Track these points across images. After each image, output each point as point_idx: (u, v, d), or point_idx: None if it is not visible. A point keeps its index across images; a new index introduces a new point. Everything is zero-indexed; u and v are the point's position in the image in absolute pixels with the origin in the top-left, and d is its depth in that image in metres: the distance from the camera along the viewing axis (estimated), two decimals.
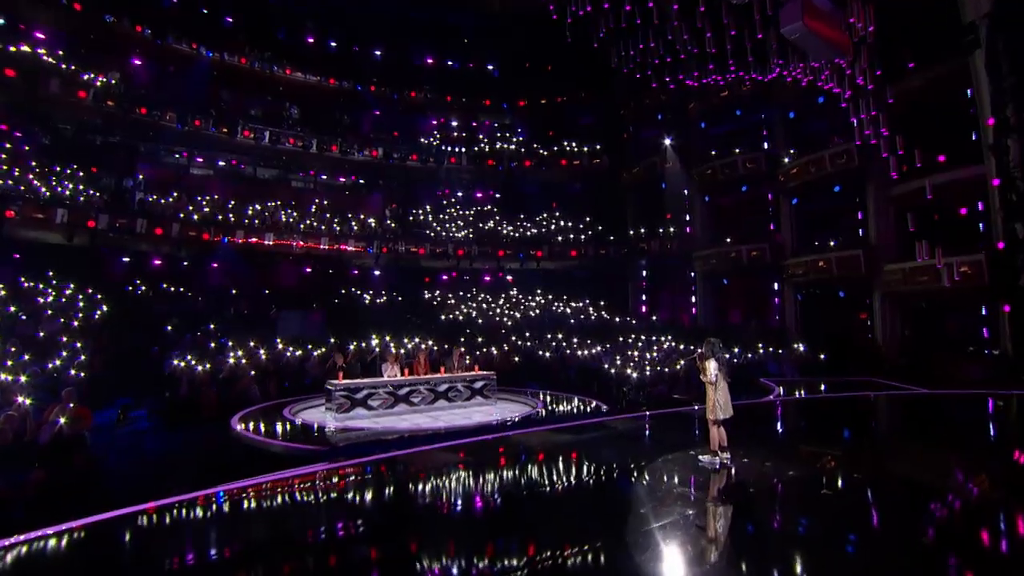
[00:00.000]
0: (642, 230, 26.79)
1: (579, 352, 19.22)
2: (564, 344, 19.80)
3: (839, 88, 15.90)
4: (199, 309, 18.97)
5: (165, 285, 20.05)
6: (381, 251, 25.99)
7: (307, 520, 5.42)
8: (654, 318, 26.24)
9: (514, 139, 31.63)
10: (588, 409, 12.66)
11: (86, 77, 20.84)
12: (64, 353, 13.28)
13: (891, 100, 16.13)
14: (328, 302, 22.17)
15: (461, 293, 27.62)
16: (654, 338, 21.62)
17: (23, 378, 9.91)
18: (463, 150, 30.26)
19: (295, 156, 26.81)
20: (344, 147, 27.49)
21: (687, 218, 25.51)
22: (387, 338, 16.78)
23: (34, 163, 19.96)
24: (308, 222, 25.32)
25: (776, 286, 22.22)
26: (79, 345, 13.82)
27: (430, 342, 17.88)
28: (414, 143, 29.87)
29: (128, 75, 22.70)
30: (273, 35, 27.66)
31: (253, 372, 13.24)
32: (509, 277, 29.46)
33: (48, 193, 18.53)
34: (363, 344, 16.41)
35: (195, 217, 21.44)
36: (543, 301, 27.33)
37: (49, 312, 16.07)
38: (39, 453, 6.97)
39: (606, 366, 16.66)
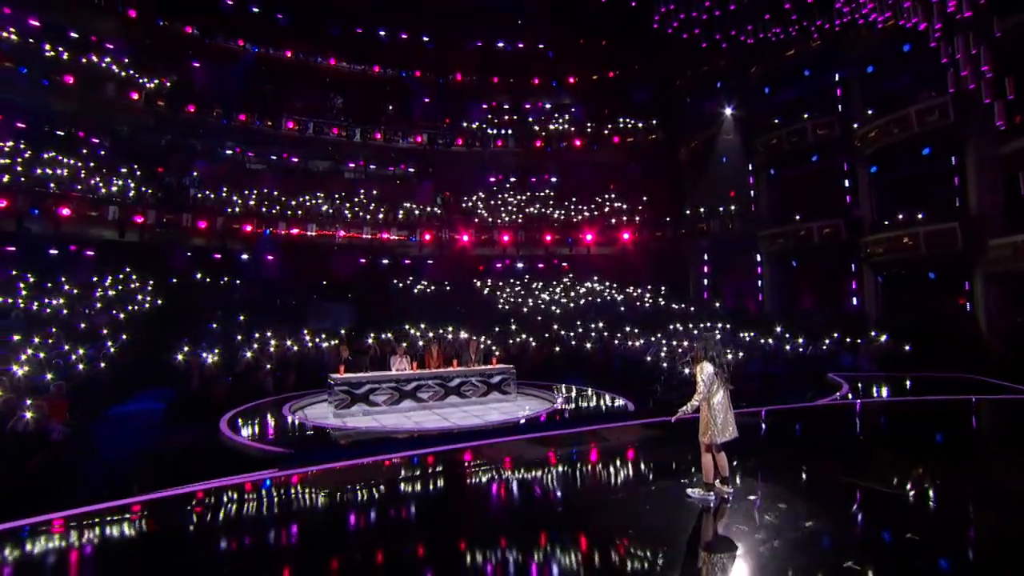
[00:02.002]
0: (701, 210, 24.59)
1: (628, 342, 17.77)
2: (608, 334, 18.40)
3: (927, 23, 13.24)
4: (239, 300, 19.26)
5: (209, 277, 20.57)
6: (423, 239, 25.54)
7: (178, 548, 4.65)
8: (716, 305, 24.09)
9: (565, 118, 30.24)
10: (611, 410, 11.36)
11: (141, 80, 21.77)
12: (107, 344, 13.71)
13: (998, 34, 13.23)
14: (366, 292, 21.97)
15: (512, 281, 26.71)
16: (708, 325, 19.74)
17: (48, 376, 10.08)
18: (510, 132, 29.24)
19: (340, 145, 26.87)
20: (388, 134, 27.25)
21: (751, 194, 23.12)
22: (405, 329, 16.16)
23: (93, 164, 21.10)
24: (353, 211, 25.29)
25: (853, 267, 19.56)
26: (113, 337, 14.20)
27: (462, 332, 17.09)
28: (460, 129, 29.17)
29: (178, 75, 23.44)
30: (322, 27, 27.74)
31: (268, 365, 12.98)
32: (564, 264, 28.27)
33: (104, 190, 19.41)
34: (385, 335, 15.89)
35: (238, 210, 21.86)
36: (598, 288, 25.90)
37: (98, 305, 16.82)
38: None
39: (648, 358, 15.18)
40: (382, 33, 29.58)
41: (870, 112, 18.41)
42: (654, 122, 27.14)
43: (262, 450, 7.50)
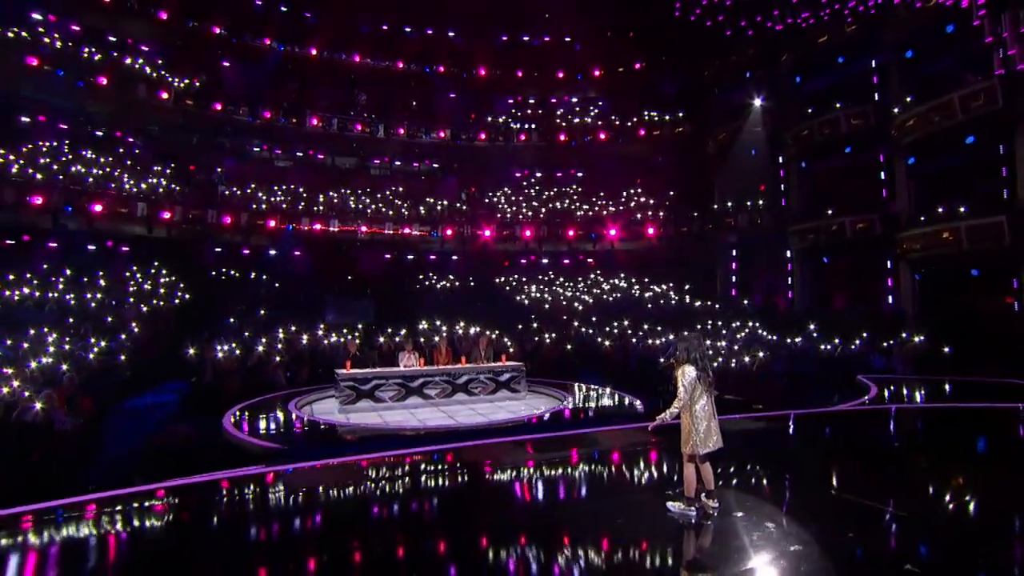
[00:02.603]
0: (728, 204, 23.80)
1: (646, 341, 17.33)
2: (628, 332, 17.99)
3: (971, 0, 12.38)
4: (262, 295, 19.61)
5: (233, 272, 21.02)
6: (445, 234, 25.52)
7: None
8: (744, 303, 23.31)
9: (590, 112, 29.78)
10: (619, 410, 11.04)
11: (171, 80, 22.39)
12: (129, 336, 14.12)
13: None
14: (386, 287, 22.08)
15: (536, 277, 26.45)
16: (736, 324, 19.11)
17: (64, 366, 10.40)
18: (533, 127, 28.95)
19: (364, 142, 27.05)
20: (411, 130, 27.34)
21: (781, 188, 22.24)
22: (422, 325, 16.11)
23: (130, 162, 21.84)
24: (375, 207, 25.45)
25: (888, 264, 18.57)
26: (136, 331, 14.61)
27: (472, 329, 16.97)
28: (483, 123, 29.02)
29: (207, 74, 23.98)
30: (350, 25, 27.93)
31: (278, 359, 13.12)
32: (590, 260, 27.87)
33: (134, 188, 20.02)
34: (400, 331, 15.88)
35: (264, 207, 22.25)
36: (622, 285, 25.43)
37: (129, 299, 17.35)
38: None
39: (662, 359, 14.72)
40: (407, 29, 29.64)
41: (908, 99, 17.37)
42: (680, 115, 26.44)
43: (257, 445, 7.51)
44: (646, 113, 27.71)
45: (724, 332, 17.73)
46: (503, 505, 5.53)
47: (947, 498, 5.58)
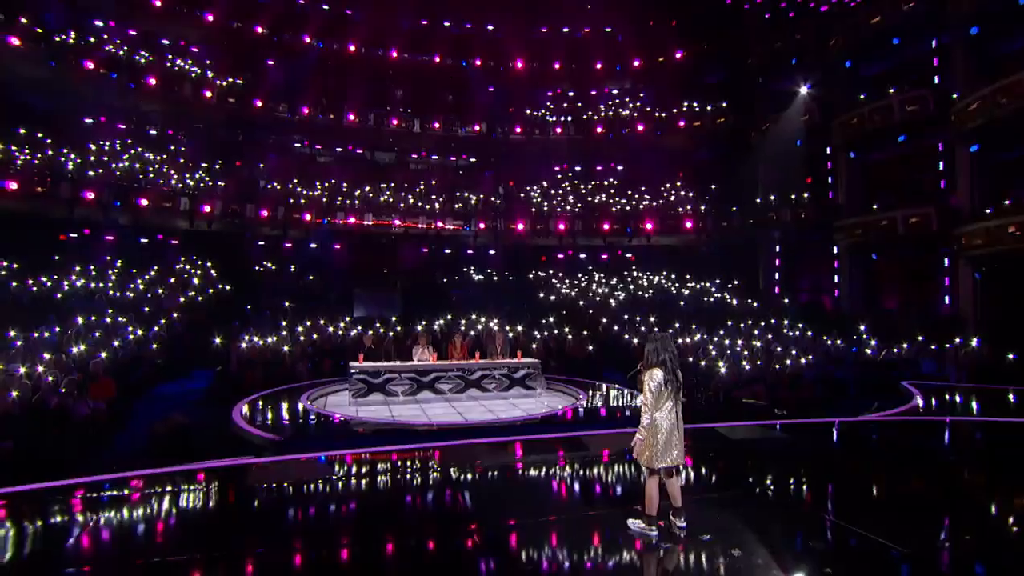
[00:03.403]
0: (771, 197, 22.68)
1: (676, 340, 16.74)
2: (656, 330, 17.40)
3: None
4: (296, 287, 20.14)
5: (270, 265, 21.71)
6: (478, 228, 25.48)
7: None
8: (786, 301, 22.23)
9: (629, 104, 29.05)
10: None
11: (216, 80, 23.31)
12: (161, 323, 14.78)
13: None
14: (419, 280, 22.27)
15: (574, 272, 26.05)
16: (776, 323, 18.23)
17: (103, 354, 10.96)
18: (570, 119, 28.50)
19: (401, 136, 27.37)
20: (447, 124, 27.44)
21: (828, 180, 21.00)
22: (446, 318, 16.10)
23: (182, 160, 22.91)
24: (410, 201, 25.67)
25: (946, 262, 17.20)
26: (173, 320, 15.27)
27: (493, 323, 16.83)
28: (519, 117, 28.80)
29: (249, 73, 24.78)
30: (389, 21, 28.24)
31: (301, 350, 13.38)
32: (629, 255, 27.25)
33: (179, 183, 20.96)
34: (424, 324, 15.91)
35: (302, 201, 22.84)
36: (659, 280, 24.73)
37: (172, 291, 18.17)
38: (14, 423, 7.32)
39: (691, 358, 14.16)
40: (446, 24, 29.70)
41: (973, 82, 15.95)
42: (723, 105, 25.36)
43: (256, 436, 7.62)
44: (687, 104, 26.78)
45: (756, 332, 16.91)
46: (449, 510, 5.25)
47: (969, 538, 4.75)
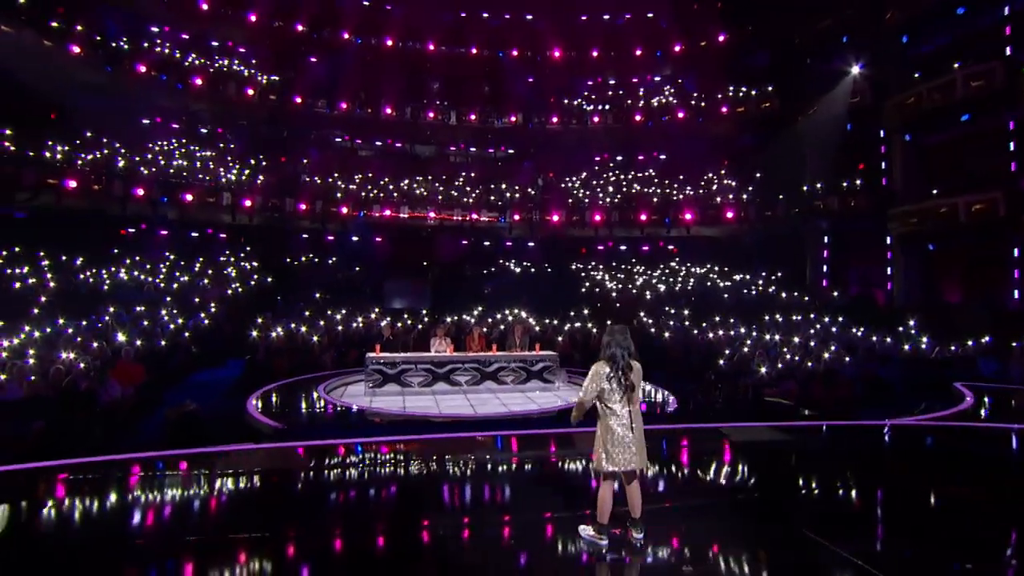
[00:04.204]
0: (818, 185, 21.45)
1: (709, 334, 16.12)
2: (687, 324, 16.86)
3: None
4: (331, 279, 20.65)
5: (308, 257, 22.34)
6: (513, 220, 25.34)
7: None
8: (835, 294, 21.03)
9: (670, 91, 28.14)
10: (650, 408, 10.27)
11: (259, 77, 24.16)
12: (201, 316, 15.46)
13: None
14: (449, 273, 22.40)
15: (612, 264, 25.55)
16: (815, 316, 17.30)
17: (139, 342, 11.57)
18: (608, 108, 27.89)
19: (438, 129, 27.55)
20: (483, 116, 27.41)
21: (881, 166, 19.65)
22: (476, 310, 16.09)
23: (230, 158, 23.90)
24: (446, 193, 25.80)
25: (1015, 252, 15.76)
26: (212, 311, 15.94)
27: (521, 315, 16.69)
28: (556, 106, 28.41)
29: (290, 70, 25.48)
30: (428, 15, 28.34)
31: (326, 340, 13.68)
32: (672, 247, 26.48)
33: (224, 178, 21.85)
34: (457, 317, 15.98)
35: (340, 195, 23.37)
36: (701, 272, 23.92)
37: (214, 283, 18.98)
38: (49, 405, 7.77)
39: (724, 353, 13.57)
40: (485, 15, 29.57)
41: None
42: (768, 89, 24.15)
43: (263, 423, 7.80)
44: (730, 89, 25.66)
45: (797, 326, 16.05)
46: (398, 508, 5.11)
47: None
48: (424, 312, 17.48)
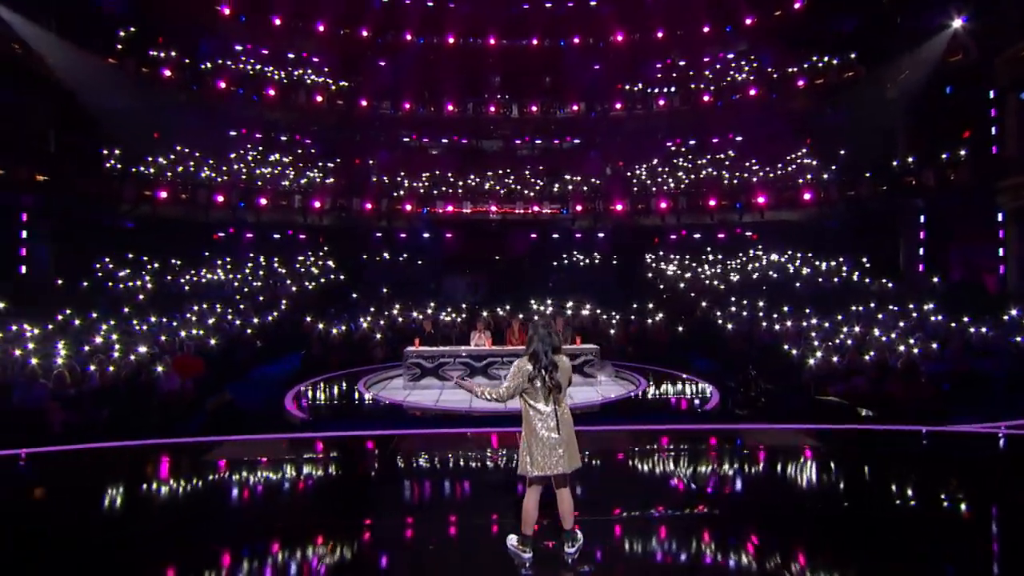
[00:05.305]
0: (909, 159, 19.21)
1: (775, 326, 14.94)
2: (745, 315, 15.78)
3: None
4: (405, 275, 21.42)
5: (376, 255, 23.30)
6: (575, 211, 24.87)
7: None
8: (935, 280, 18.81)
9: (743, 68, 26.39)
10: (689, 406, 9.66)
11: (328, 84, 25.40)
12: (267, 312, 16.51)
13: None
14: (509, 266, 22.44)
15: (682, 253, 24.45)
16: (911, 306, 15.53)
17: (213, 340, 12.54)
18: (674, 90, 26.61)
19: (500, 123, 27.59)
20: (544, 106, 27.12)
21: (991, 132, 17.21)
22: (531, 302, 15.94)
23: (303, 163, 25.39)
24: (508, 187, 25.78)
25: None
26: (282, 308, 16.97)
27: (567, 307, 16.32)
28: (623, 93, 27.54)
29: (356, 75, 26.50)
30: (491, 11, 28.35)
31: (379, 335, 14.10)
32: (749, 233, 24.87)
33: (297, 183, 23.22)
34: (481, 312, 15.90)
35: (402, 193, 24.08)
36: (778, 260, 22.31)
37: (286, 282, 20.22)
38: (110, 395, 8.56)
39: (786, 347, 12.51)
40: (548, 5, 29.17)
41: None
42: (852, 56, 21.91)
43: (292, 415, 8.14)
44: (808, 60, 23.56)
45: (881, 316, 14.46)
46: (346, 506, 5.06)
47: None
48: (477, 306, 17.57)
